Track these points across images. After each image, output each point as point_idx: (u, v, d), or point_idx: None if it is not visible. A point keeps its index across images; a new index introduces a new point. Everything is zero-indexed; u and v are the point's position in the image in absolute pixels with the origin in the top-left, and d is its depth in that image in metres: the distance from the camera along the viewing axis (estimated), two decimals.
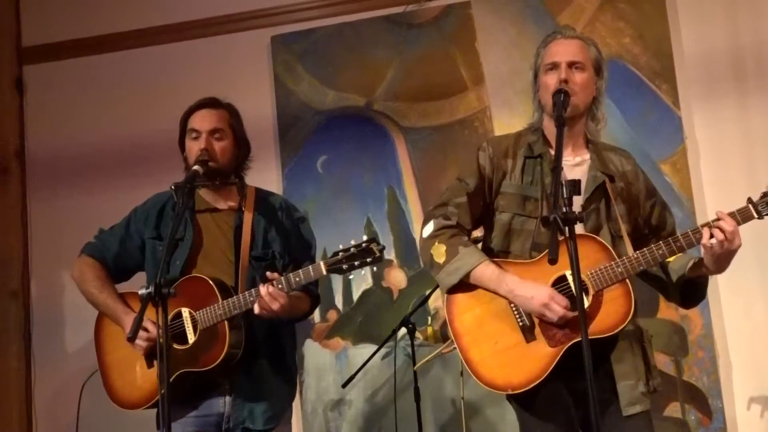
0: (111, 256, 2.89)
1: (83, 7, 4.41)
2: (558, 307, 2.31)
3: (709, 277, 2.50)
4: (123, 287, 2.93)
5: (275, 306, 2.56)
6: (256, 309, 2.57)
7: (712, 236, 2.31)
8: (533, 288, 2.34)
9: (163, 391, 2.20)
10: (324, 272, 2.54)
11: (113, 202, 3.32)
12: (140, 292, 2.29)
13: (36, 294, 4.33)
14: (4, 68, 4.43)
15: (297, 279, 2.57)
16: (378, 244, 2.51)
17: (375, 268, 3.99)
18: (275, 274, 2.59)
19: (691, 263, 2.45)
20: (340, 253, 2.52)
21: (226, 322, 2.63)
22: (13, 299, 4.29)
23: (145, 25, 4.34)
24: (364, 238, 2.53)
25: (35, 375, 4.25)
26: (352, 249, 2.52)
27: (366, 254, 2.51)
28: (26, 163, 4.41)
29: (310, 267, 2.57)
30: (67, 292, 4.18)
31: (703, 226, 2.35)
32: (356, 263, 2.50)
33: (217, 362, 2.62)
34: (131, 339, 2.46)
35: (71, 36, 4.40)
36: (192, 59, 4.28)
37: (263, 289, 2.56)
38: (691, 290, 2.49)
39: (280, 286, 2.56)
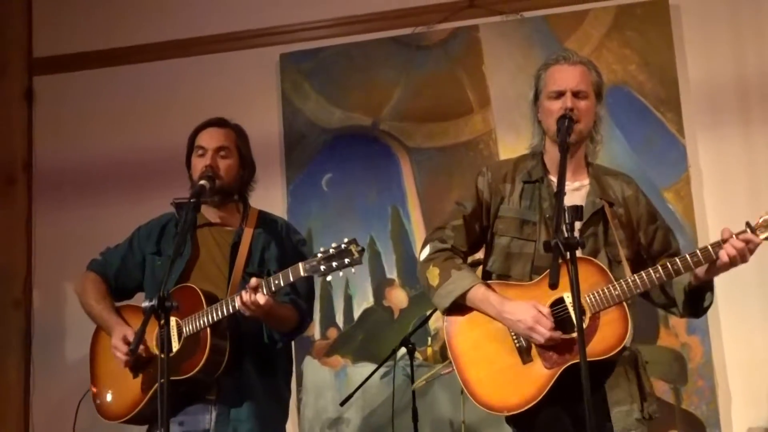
0: (113, 273, 2.92)
1: (95, 20, 4.45)
2: (543, 330, 2.31)
3: (711, 300, 2.48)
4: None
5: (252, 312, 2.54)
6: (238, 304, 2.54)
7: (716, 259, 2.29)
8: (519, 310, 2.36)
9: (160, 405, 2.20)
10: (302, 273, 2.51)
11: (119, 217, 3.34)
12: (144, 304, 2.29)
13: (38, 305, 4.33)
14: (15, 79, 4.45)
15: (276, 281, 2.54)
16: (357, 245, 2.47)
17: (373, 286, 4.00)
18: (254, 280, 2.55)
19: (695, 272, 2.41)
20: (319, 254, 2.49)
21: (209, 330, 2.61)
22: (16, 309, 4.30)
23: (156, 39, 4.38)
24: (345, 239, 2.48)
25: (34, 386, 4.25)
26: (331, 250, 2.49)
27: (344, 255, 2.46)
28: (33, 174, 4.42)
29: (289, 268, 2.53)
30: (69, 304, 4.18)
31: (705, 247, 2.33)
32: (334, 264, 2.46)
33: (196, 369, 2.60)
34: (133, 351, 2.46)
35: (82, 48, 4.43)
36: (201, 75, 4.31)
37: (238, 298, 2.54)
38: (698, 297, 2.45)
39: (260, 292, 2.54)
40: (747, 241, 2.28)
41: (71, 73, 4.45)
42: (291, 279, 2.54)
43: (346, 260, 2.47)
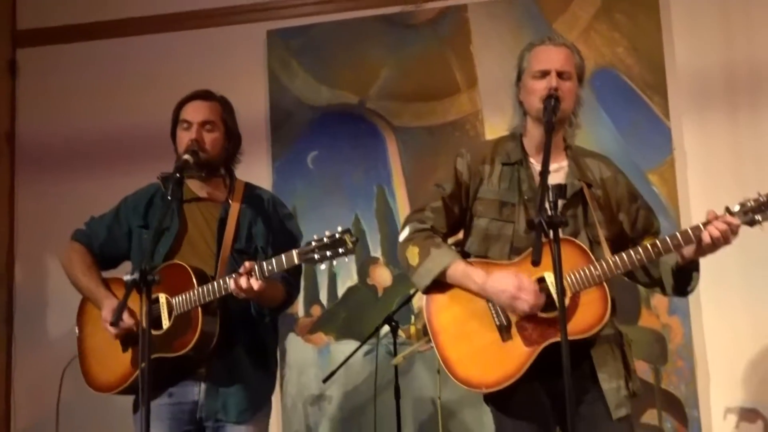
0: (98, 243, 2.90)
1: None
2: (528, 297, 2.32)
3: (698, 280, 2.50)
4: (109, 274, 2.92)
5: (244, 295, 2.56)
6: (231, 286, 2.56)
7: (698, 241, 2.32)
8: (503, 280, 2.36)
9: (141, 377, 2.20)
10: (296, 261, 2.52)
11: (101, 190, 3.32)
12: (125, 278, 2.29)
13: (20, 278, 4.32)
14: None
15: (269, 267, 2.55)
16: (351, 235, 2.48)
17: (357, 264, 4.02)
18: (247, 264, 2.56)
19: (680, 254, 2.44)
20: (313, 243, 2.50)
21: (200, 309, 2.62)
22: None
23: (142, 13, 4.34)
24: (339, 229, 2.50)
25: (16, 360, 4.24)
26: (325, 239, 2.50)
27: (339, 245, 2.48)
28: (16, 146, 4.40)
29: (283, 255, 2.54)
30: (52, 277, 4.18)
31: (685, 230, 2.35)
32: (328, 253, 2.48)
33: (188, 348, 2.61)
34: (114, 324, 2.46)
35: (67, 21, 4.40)
36: (187, 50, 4.28)
37: (232, 282, 2.55)
38: (685, 277, 2.48)
39: (253, 276, 2.55)
40: (728, 223, 2.31)
41: (56, 46, 4.42)
42: (285, 266, 2.55)
43: (340, 250, 2.48)
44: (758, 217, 2.32)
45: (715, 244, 2.32)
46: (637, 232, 2.56)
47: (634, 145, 3.87)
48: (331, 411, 3.97)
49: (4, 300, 4.28)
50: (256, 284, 2.53)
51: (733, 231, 2.32)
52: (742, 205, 2.34)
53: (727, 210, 2.34)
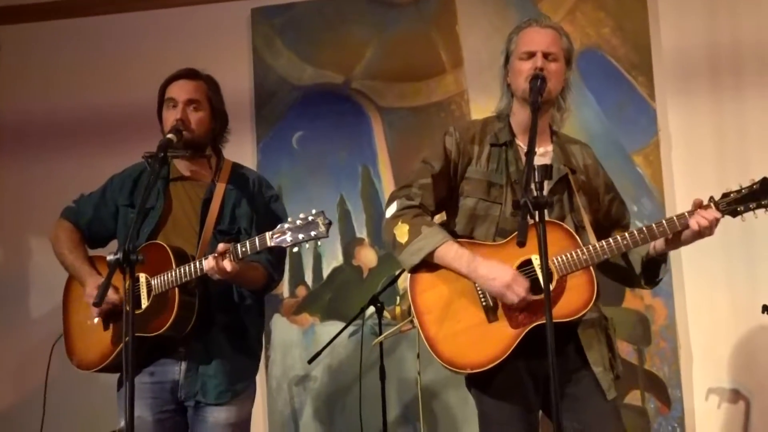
0: (85, 222, 2.89)
1: None
2: (520, 289, 2.33)
3: (670, 267, 2.53)
4: (98, 252, 2.91)
5: (219, 276, 2.55)
6: (206, 269, 2.55)
7: (685, 228, 2.34)
8: (496, 269, 2.36)
9: (125, 356, 2.20)
10: (269, 243, 2.51)
11: (84, 170, 3.30)
12: (108, 257, 2.27)
13: (2, 259, 4.28)
14: None
15: (243, 249, 2.54)
16: (325, 218, 2.47)
17: (342, 245, 4.01)
18: (226, 245, 2.55)
19: (654, 243, 2.46)
20: (286, 225, 2.49)
21: (177, 290, 2.62)
22: None
23: None
24: (313, 211, 2.49)
25: None
26: (298, 221, 2.49)
27: (311, 228, 2.47)
28: None
29: (256, 237, 2.54)
30: (34, 257, 4.15)
31: (671, 218, 2.37)
32: (300, 236, 2.47)
33: (164, 328, 2.61)
34: (97, 303, 2.44)
35: None
36: (171, 28, 4.24)
37: (207, 262, 2.54)
38: (653, 269, 2.52)
39: (227, 258, 2.54)
40: (712, 215, 2.33)
41: (37, 23, 4.35)
42: (258, 248, 2.54)
43: (313, 233, 2.47)
44: (740, 208, 2.34)
45: (700, 233, 2.34)
46: (609, 220, 2.59)
47: (619, 127, 3.88)
48: (316, 391, 3.98)
49: None
50: (229, 266, 2.52)
51: (714, 223, 2.34)
52: (725, 195, 2.36)
53: (712, 200, 2.36)
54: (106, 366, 2.75)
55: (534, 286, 2.35)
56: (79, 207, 2.91)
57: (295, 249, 2.51)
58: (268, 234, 2.52)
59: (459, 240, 2.46)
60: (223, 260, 2.53)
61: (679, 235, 2.37)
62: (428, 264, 2.45)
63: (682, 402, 3.73)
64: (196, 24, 4.23)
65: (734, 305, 3.74)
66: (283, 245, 2.50)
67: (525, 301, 2.34)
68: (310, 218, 2.48)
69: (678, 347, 3.76)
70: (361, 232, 4.05)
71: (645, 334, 3.78)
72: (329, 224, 2.48)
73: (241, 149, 3.90)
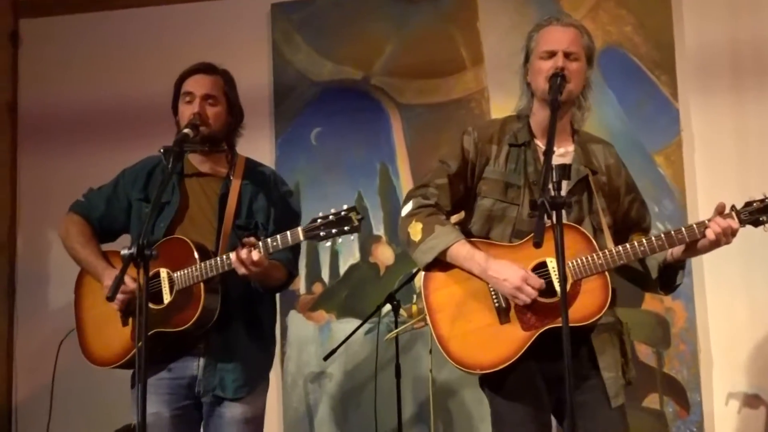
0: (97, 216, 2.88)
1: None
2: (531, 290, 2.31)
3: (690, 269, 2.50)
4: (108, 246, 2.91)
5: (246, 270, 2.54)
6: (235, 266, 2.55)
7: (702, 237, 2.31)
8: (507, 269, 2.34)
9: (138, 349, 2.20)
10: (301, 238, 2.51)
11: (103, 162, 3.29)
12: (122, 252, 2.27)
13: (22, 250, 4.32)
14: (0, 20, 4.37)
15: (274, 243, 2.54)
16: (357, 213, 2.48)
17: (359, 242, 3.99)
18: (251, 239, 2.56)
19: (672, 250, 2.43)
20: (319, 220, 2.49)
21: (202, 284, 2.61)
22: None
23: None
24: (345, 206, 2.49)
25: (18, 331, 4.25)
26: (330, 216, 2.49)
27: (344, 222, 2.47)
28: (18, 117, 4.37)
29: (288, 232, 2.53)
30: (53, 249, 4.16)
31: (691, 225, 2.34)
32: (333, 231, 2.47)
33: (190, 323, 2.61)
34: (110, 298, 2.44)
35: None
36: (191, 22, 4.24)
37: (235, 254, 2.54)
38: (670, 275, 2.49)
39: (256, 250, 2.53)
40: (729, 225, 2.30)
41: (58, 17, 4.38)
42: (290, 242, 2.54)
43: (346, 228, 2.48)
44: (763, 218, 2.31)
45: (717, 243, 2.31)
46: (628, 224, 2.55)
47: (640, 126, 3.83)
48: (332, 388, 3.97)
49: (6, 271, 4.28)
50: (257, 255, 2.52)
51: (733, 233, 2.32)
52: (747, 204, 2.34)
53: (733, 209, 2.33)
54: (125, 362, 2.74)
55: (547, 290, 2.33)
56: (90, 201, 2.90)
57: (327, 243, 2.52)
58: (300, 229, 2.52)
59: (473, 240, 2.45)
60: (251, 251, 2.52)
61: (696, 242, 2.34)
62: (442, 263, 2.44)
63: (701, 406, 3.68)
64: (215, 19, 4.23)
65: (754, 310, 3.69)
66: (316, 240, 2.51)
67: (536, 302, 2.31)
68: (342, 213, 2.48)
69: (698, 350, 3.71)
70: (379, 230, 4.04)
71: (664, 337, 3.73)
72: (362, 219, 2.49)
73: (260, 145, 3.90)
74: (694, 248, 2.36)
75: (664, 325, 3.74)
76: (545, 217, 2.07)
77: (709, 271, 3.72)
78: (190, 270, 2.61)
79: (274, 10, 4.20)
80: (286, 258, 2.76)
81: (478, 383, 2.53)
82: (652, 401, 3.70)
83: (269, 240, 2.55)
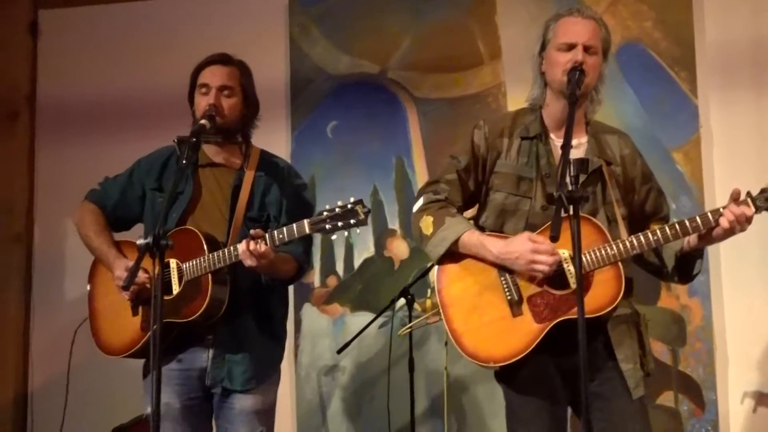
0: (111, 205, 2.89)
1: None
2: (545, 258, 2.29)
3: (708, 268, 2.48)
4: (122, 236, 2.93)
5: (253, 262, 2.54)
6: (242, 257, 2.55)
7: (717, 225, 2.28)
8: (514, 245, 2.33)
9: (152, 339, 2.20)
10: (307, 230, 2.51)
11: (120, 152, 3.29)
12: (138, 242, 2.28)
13: (39, 240, 4.34)
14: (20, 11, 4.39)
15: (280, 236, 2.54)
16: (364, 206, 2.47)
17: (374, 235, 4.00)
18: (259, 231, 2.55)
19: (688, 239, 2.41)
20: (325, 213, 2.49)
21: (210, 276, 2.62)
22: (16, 244, 4.31)
23: None
24: (351, 199, 2.49)
25: (33, 320, 4.28)
26: (336, 209, 2.48)
27: (350, 215, 2.46)
28: (36, 108, 4.39)
29: (294, 224, 2.53)
30: (70, 239, 4.18)
31: (705, 214, 2.32)
32: (339, 224, 2.46)
33: (197, 314, 2.61)
34: (126, 287, 2.46)
35: None
36: (209, 15, 4.25)
37: (242, 245, 2.54)
38: (688, 265, 2.46)
39: (262, 242, 2.53)
40: (744, 212, 2.28)
41: (77, 8, 4.39)
42: (296, 235, 2.53)
43: (352, 221, 2.47)
44: None
45: (732, 231, 2.29)
46: (645, 213, 2.53)
47: (658, 122, 3.80)
48: (345, 382, 3.98)
49: (23, 261, 4.30)
50: (263, 247, 2.51)
51: (749, 219, 2.29)
52: (763, 190, 2.31)
53: (749, 195, 2.31)
54: (135, 352, 2.76)
55: (560, 281, 2.32)
56: (105, 190, 2.91)
57: (334, 237, 2.51)
58: (306, 221, 2.51)
59: (487, 233, 2.44)
60: (258, 243, 2.52)
61: (711, 231, 2.31)
62: (455, 256, 2.44)
63: (717, 405, 3.65)
64: (234, 11, 4.23)
65: None
66: (322, 233, 2.50)
67: (555, 265, 2.29)
68: (349, 206, 2.48)
69: (714, 349, 3.68)
70: (394, 224, 4.03)
71: (680, 335, 3.71)
72: (368, 212, 2.48)
73: (276, 137, 3.90)
74: (709, 236, 2.33)
75: (680, 323, 3.72)
76: (561, 211, 2.06)
77: (726, 270, 3.69)
78: (198, 261, 2.62)
79: (292, 4, 4.20)
80: (296, 251, 2.76)
81: (489, 378, 2.53)
82: (666, 399, 3.68)
83: (276, 232, 2.55)
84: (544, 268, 2.31)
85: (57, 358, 3.92)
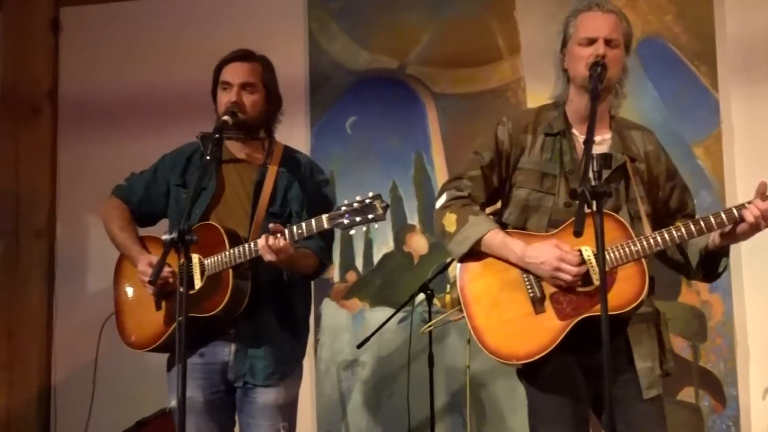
0: (136, 200, 2.91)
1: None
2: (570, 268, 2.29)
3: (730, 263, 2.46)
4: (147, 231, 2.95)
5: (272, 257, 2.54)
6: (261, 252, 2.55)
7: (741, 220, 2.27)
8: (543, 251, 2.33)
9: (177, 333, 2.22)
10: (325, 225, 2.51)
11: (142, 148, 3.33)
12: (163, 237, 2.30)
13: (61, 235, 4.38)
14: (41, 8, 4.42)
15: (299, 231, 2.54)
16: (382, 201, 2.46)
17: (394, 231, 4.00)
18: (278, 225, 2.56)
19: (712, 236, 2.40)
20: (343, 207, 2.49)
21: (231, 271, 2.63)
22: (39, 239, 4.34)
23: None
24: (370, 194, 2.48)
25: (56, 315, 4.31)
26: (355, 204, 2.48)
27: (368, 210, 2.46)
28: (58, 104, 4.43)
29: (313, 219, 2.53)
30: (92, 234, 4.23)
31: (729, 209, 2.31)
32: (357, 219, 2.46)
33: (218, 309, 2.63)
34: (153, 282, 2.47)
35: None
36: (228, 10, 4.26)
37: (261, 240, 2.55)
38: (712, 263, 2.45)
39: (281, 237, 2.54)
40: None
41: (98, 5, 4.42)
42: (315, 230, 2.53)
43: (370, 216, 2.46)
44: None
45: (757, 227, 2.26)
46: (669, 210, 2.51)
47: (679, 117, 3.78)
48: (364, 377, 3.99)
49: (46, 256, 4.34)
50: (282, 242, 2.51)
51: None
52: None
53: None
54: (158, 346, 2.78)
55: (583, 278, 2.31)
56: (131, 185, 2.93)
57: (352, 231, 2.51)
58: (324, 216, 2.51)
59: (508, 231, 2.44)
60: (276, 238, 2.52)
61: (735, 228, 2.29)
62: (477, 253, 2.43)
63: (738, 400, 3.64)
64: (252, 7, 4.24)
65: None
66: (340, 228, 2.50)
67: (579, 278, 2.30)
68: (367, 201, 2.48)
69: (735, 344, 3.67)
70: (413, 219, 4.03)
71: (701, 330, 3.70)
72: (386, 207, 2.47)
73: (295, 133, 3.90)
74: (734, 234, 2.31)
75: (701, 319, 3.70)
76: (584, 206, 2.05)
77: (747, 265, 3.67)
78: (220, 256, 2.63)
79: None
80: (317, 246, 2.77)
81: (509, 374, 2.53)
82: (687, 395, 3.67)
83: (294, 227, 2.55)
84: (568, 278, 2.30)
85: (80, 353, 3.96)
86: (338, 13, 4.18)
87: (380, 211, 2.46)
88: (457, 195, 2.48)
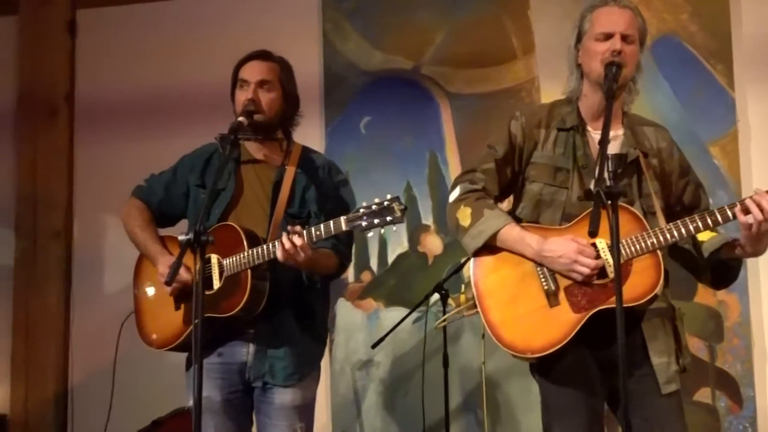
0: (156, 201, 2.93)
1: None
2: (588, 261, 2.28)
3: (746, 261, 2.45)
4: (167, 231, 2.96)
5: (290, 258, 2.55)
6: (279, 254, 2.57)
7: (748, 212, 2.25)
8: (561, 245, 2.32)
9: (194, 333, 2.23)
10: (344, 227, 2.51)
11: (159, 150, 3.35)
12: (180, 237, 2.31)
13: (78, 236, 4.41)
14: (58, 10, 4.46)
15: (317, 232, 2.55)
16: (400, 203, 2.47)
17: (408, 231, 4.01)
18: (297, 227, 2.57)
19: (724, 243, 2.40)
20: (362, 210, 2.49)
21: (249, 271, 2.64)
22: (56, 239, 4.37)
23: None
24: (388, 196, 2.49)
25: (74, 315, 4.34)
26: (373, 206, 2.48)
27: (387, 213, 2.46)
28: (75, 106, 4.46)
29: (331, 221, 2.54)
30: (109, 235, 4.26)
31: (741, 201, 2.29)
32: (376, 221, 2.46)
33: (237, 309, 2.64)
34: (168, 283, 2.49)
35: None
36: (242, 12, 4.28)
37: (279, 243, 2.55)
38: (722, 271, 2.45)
39: (300, 237, 2.54)
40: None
41: (115, 7, 4.45)
42: (333, 232, 2.54)
43: (388, 218, 2.47)
44: None
45: (760, 224, 2.23)
46: (683, 206, 2.50)
47: (695, 116, 3.77)
48: (379, 376, 4.00)
49: (63, 257, 4.37)
50: (299, 241, 2.52)
51: None
52: None
53: None
54: (177, 345, 2.79)
55: (599, 271, 2.30)
56: (151, 186, 2.95)
57: (370, 234, 2.51)
58: (343, 218, 2.52)
59: (523, 225, 2.44)
60: (294, 238, 2.52)
61: (748, 233, 2.27)
62: (491, 248, 2.42)
63: (755, 401, 3.62)
64: (267, 8, 4.26)
65: None
66: (358, 230, 2.50)
67: (596, 272, 2.29)
68: (385, 203, 2.48)
69: (751, 345, 3.65)
70: (427, 219, 4.04)
71: (717, 331, 3.68)
72: (405, 209, 2.48)
73: (310, 133, 3.90)
74: (746, 243, 2.30)
75: (717, 319, 3.68)
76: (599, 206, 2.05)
77: (764, 265, 3.65)
78: (238, 257, 2.64)
79: (325, 0, 4.21)
80: (336, 246, 2.77)
81: (523, 373, 2.52)
82: (703, 395, 3.66)
83: (313, 228, 2.56)
84: (586, 271, 2.29)
85: (97, 353, 3.98)
86: (352, 13, 4.19)
87: (398, 214, 2.46)
88: (471, 188, 2.47)
